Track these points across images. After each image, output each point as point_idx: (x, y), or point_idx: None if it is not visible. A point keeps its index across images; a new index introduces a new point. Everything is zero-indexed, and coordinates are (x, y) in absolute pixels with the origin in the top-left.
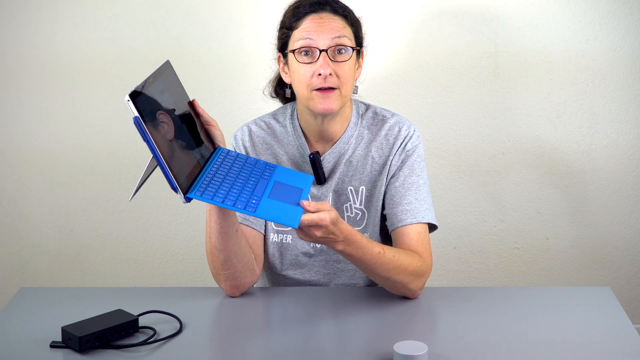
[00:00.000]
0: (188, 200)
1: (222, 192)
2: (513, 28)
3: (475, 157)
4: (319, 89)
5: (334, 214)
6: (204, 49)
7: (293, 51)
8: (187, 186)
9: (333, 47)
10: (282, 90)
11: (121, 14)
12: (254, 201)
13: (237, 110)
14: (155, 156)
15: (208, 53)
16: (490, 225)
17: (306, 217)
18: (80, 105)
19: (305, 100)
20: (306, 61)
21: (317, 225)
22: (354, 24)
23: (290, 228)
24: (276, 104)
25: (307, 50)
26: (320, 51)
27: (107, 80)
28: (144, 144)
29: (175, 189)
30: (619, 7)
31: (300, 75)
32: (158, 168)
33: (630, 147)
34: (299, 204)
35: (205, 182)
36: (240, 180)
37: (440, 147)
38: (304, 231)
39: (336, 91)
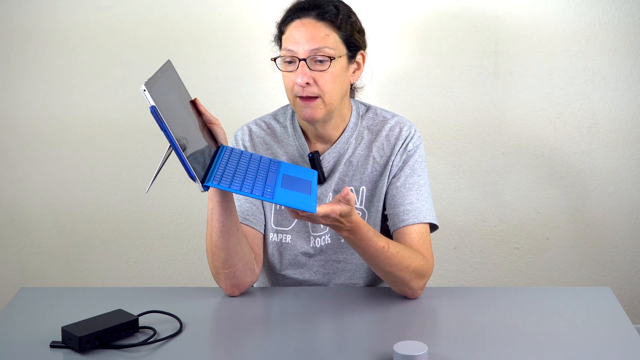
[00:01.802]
0: (206, 188)
1: (237, 181)
2: (513, 28)
3: (475, 157)
4: (301, 97)
5: (346, 209)
6: (204, 48)
7: (276, 59)
8: (202, 177)
9: (312, 57)
10: None
11: (123, 14)
12: (269, 189)
13: (236, 110)
14: (172, 144)
15: (208, 52)
16: (490, 225)
17: (320, 210)
18: (80, 105)
19: (292, 106)
20: (289, 69)
21: (325, 216)
22: (344, 28)
23: (289, 228)
24: (276, 102)
25: (290, 59)
26: (300, 60)
27: (107, 81)
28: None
29: (193, 178)
30: (619, 7)
31: (285, 81)
32: (168, 160)
33: (630, 147)
34: (311, 193)
35: (219, 173)
36: (251, 173)
37: (440, 147)
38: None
39: (318, 100)
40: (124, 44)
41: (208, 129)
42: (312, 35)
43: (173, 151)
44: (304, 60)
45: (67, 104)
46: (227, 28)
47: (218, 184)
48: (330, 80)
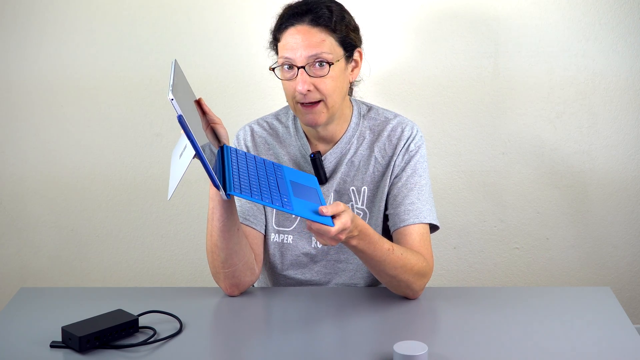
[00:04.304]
0: (229, 197)
1: (255, 189)
2: (513, 28)
3: (475, 157)
4: (302, 103)
5: (350, 212)
6: (205, 48)
7: (274, 68)
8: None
9: (311, 63)
10: None
11: (126, 15)
12: (285, 199)
13: (237, 110)
14: (198, 153)
15: (208, 52)
16: (490, 225)
17: (334, 228)
18: (79, 105)
19: (293, 111)
20: (288, 77)
21: (342, 230)
22: (339, 30)
23: (290, 228)
24: (276, 102)
25: (289, 65)
26: (299, 68)
27: (107, 82)
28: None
29: (217, 187)
30: (619, 7)
31: (285, 88)
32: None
33: (630, 147)
34: (320, 204)
35: (236, 180)
36: (262, 179)
37: (440, 147)
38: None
39: (320, 104)
40: (123, 46)
41: (211, 128)
42: (308, 42)
43: (196, 157)
44: (303, 67)
45: (66, 104)
46: (228, 27)
47: (240, 193)
48: (331, 84)
